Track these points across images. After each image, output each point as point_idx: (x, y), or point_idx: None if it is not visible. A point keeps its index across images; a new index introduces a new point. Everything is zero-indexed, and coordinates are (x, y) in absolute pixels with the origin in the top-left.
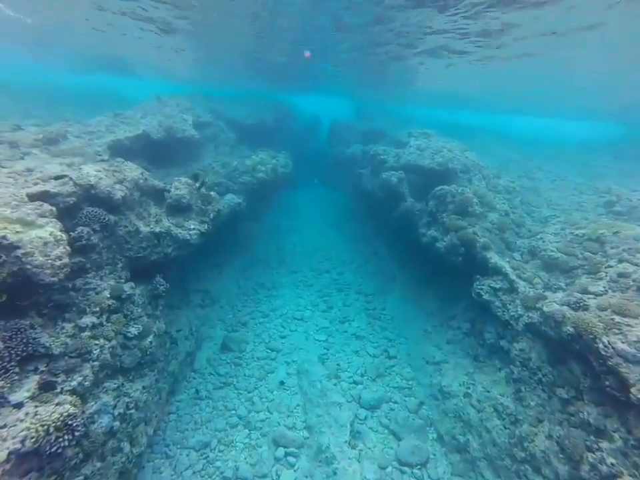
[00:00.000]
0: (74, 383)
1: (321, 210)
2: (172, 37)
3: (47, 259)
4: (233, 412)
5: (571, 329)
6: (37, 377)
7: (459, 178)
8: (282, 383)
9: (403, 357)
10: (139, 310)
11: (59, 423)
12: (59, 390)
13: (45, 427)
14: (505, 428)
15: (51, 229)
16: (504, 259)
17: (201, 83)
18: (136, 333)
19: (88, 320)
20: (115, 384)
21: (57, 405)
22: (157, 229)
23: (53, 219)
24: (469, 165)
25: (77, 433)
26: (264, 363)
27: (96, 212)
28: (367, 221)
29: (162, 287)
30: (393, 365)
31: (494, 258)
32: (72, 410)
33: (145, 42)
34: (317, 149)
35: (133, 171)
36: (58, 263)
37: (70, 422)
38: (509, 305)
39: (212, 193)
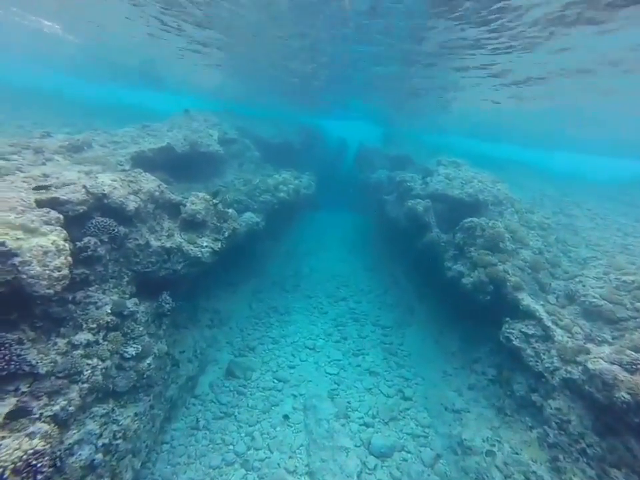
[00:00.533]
0: (56, 408)
1: (343, 234)
2: (207, 54)
3: (45, 270)
4: (231, 447)
5: (627, 396)
6: (14, 400)
7: (489, 211)
8: (286, 417)
9: (420, 399)
10: (141, 328)
11: (19, 464)
12: (36, 415)
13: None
14: None
15: (54, 238)
16: (537, 302)
17: (230, 100)
18: (134, 353)
19: (83, 337)
20: (104, 409)
21: (28, 436)
22: (168, 244)
23: (58, 227)
24: (500, 198)
25: (39, 477)
26: (269, 393)
27: (106, 222)
28: (389, 249)
29: (168, 305)
30: (408, 407)
31: (526, 300)
32: (40, 446)
33: (184, 59)
34: (342, 172)
35: (149, 182)
36: (56, 274)
37: (34, 462)
38: (543, 354)
39: (229, 210)
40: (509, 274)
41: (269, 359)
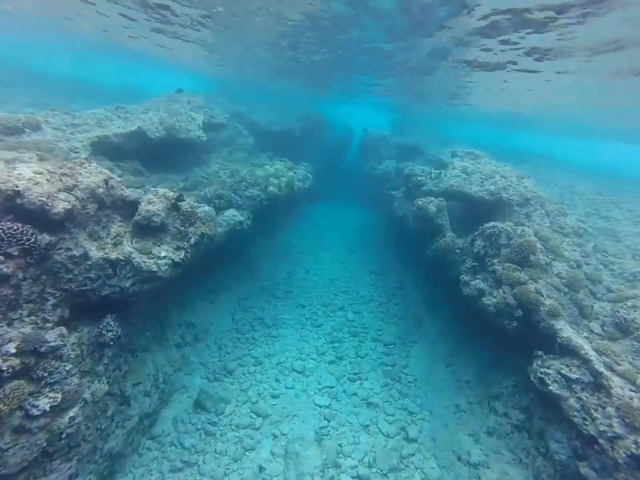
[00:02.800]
0: None
1: (345, 231)
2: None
3: None
4: None
5: None
6: None
7: (514, 212)
8: (262, 469)
9: (427, 442)
10: (67, 367)
11: None
12: None
13: None
14: None
15: None
16: (580, 333)
17: (229, 79)
18: (47, 407)
19: None
20: None
21: None
22: (114, 255)
23: None
24: (528, 197)
25: None
26: (244, 434)
27: (15, 230)
28: (396, 250)
29: (111, 332)
30: (413, 452)
31: (566, 331)
32: None
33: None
34: (347, 161)
35: (93, 175)
36: None
37: None
38: (595, 411)
39: (198, 209)
40: (542, 296)
41: (249, 386)
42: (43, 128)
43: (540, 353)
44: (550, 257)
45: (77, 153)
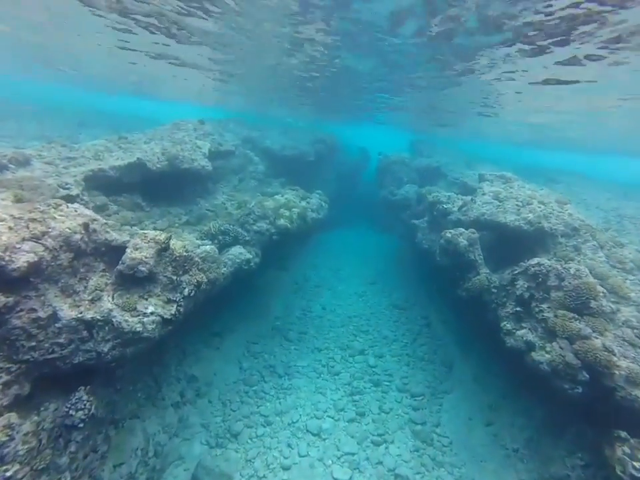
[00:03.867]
0: None
1: (363, 260)
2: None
3: None
4: None
5: None
6: None
7: (558, 245)
8: None
9: None
10: (11, 471)
11: None
12: None
13: None
14: None
15: None
16: None
17: (242, 110)
18: None
19: None
20: None
21: None
22: (90, 314)
23: None
24: (575, 226)
25: None
26: None
27: None
28: (419, 281)
29: (81, 412)
30: None
31: None
32: None
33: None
34: (363, 186)
35: (68, 219)
36: None
37: None
38: None
39: (198, 250)
40: (614, 355)
41: (256, 454)
42: (32, 163)
43: (624, 434)
44: (612, 300)
45: (67, 189)
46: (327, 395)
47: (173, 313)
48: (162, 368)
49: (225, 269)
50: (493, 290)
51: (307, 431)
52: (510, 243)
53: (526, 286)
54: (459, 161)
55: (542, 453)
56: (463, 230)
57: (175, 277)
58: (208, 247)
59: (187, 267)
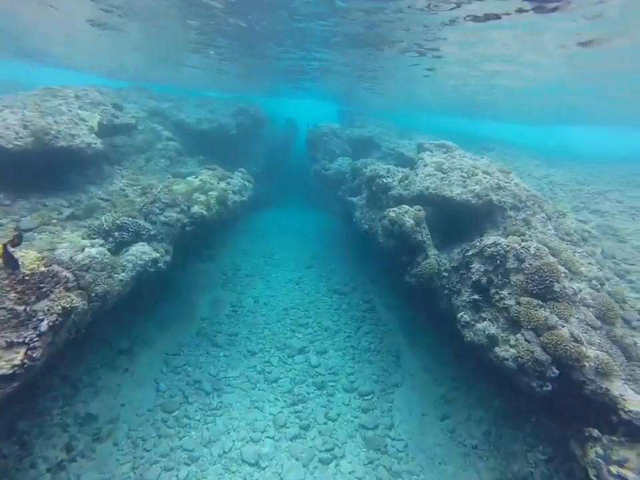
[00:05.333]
0: None
1: (298, 241)
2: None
3: None
4: None
5: None
6: None
7: (508, 219)
8: None
9: None
10: None
11: None
12: None
13: None
14: None
15: None
16: None
17: (152, 81)
18: None
19: None
20: None
21: None
22: None
23: None
24: (522, 197)
25: None
26: None
27: None
28: (359, 261)
29: None
30: None
31: (632, 401)
32: None
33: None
34: (293, 160)
35: None
36: None
37: None
38: None
39: (69, 263)
40: (583, 345)
41: None
42: None
43: (596, 433)
44: (568, 278)
45: None
46: (265, 409)
47: (17, 364)
48: (34, 419)
49: (124, 274)
50: (444, 274)
51: (243, 461)
52: (455, 218)
53: (482, 269)
54: (392, 131)
55: (502, 448)
56: (408, 207)
57: (22, 307)
58: (94, 250)
59: (45, 289)
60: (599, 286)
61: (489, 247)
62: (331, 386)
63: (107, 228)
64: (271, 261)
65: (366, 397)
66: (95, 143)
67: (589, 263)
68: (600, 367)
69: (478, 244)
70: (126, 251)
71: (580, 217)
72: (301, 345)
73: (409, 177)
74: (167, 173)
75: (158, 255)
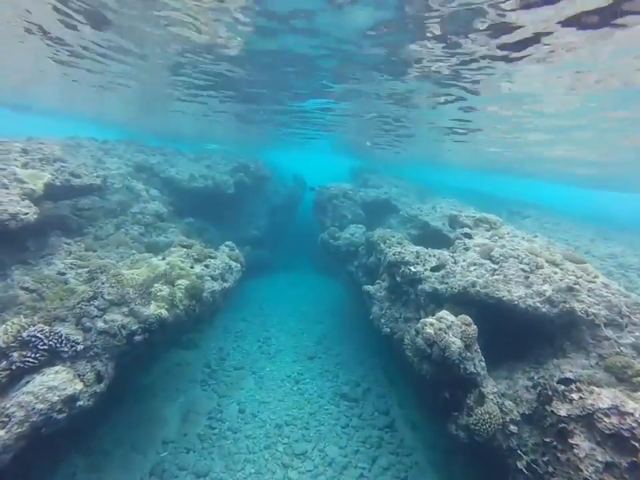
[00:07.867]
0: None
1: (301, 320)
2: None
3: None
4: None
5: None
6: None
7: (605, 341)
8: None
9: None
10: None
11: None
12: None
13: None
14: None
15: None
16: None
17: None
18: None
19: None
20: None
21: None
22: None
23: None
24: (621, 308)
25: None
26: None
27: None
28: (376, 351)
29: None
30: None
31: None
32: None
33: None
34: (302, 218)
35: None
36: None
37: None
38: None
39: None
40: None
41: None
42: None
43: None
44: None
45: None
46: None
47: None
48: None
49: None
50: (512, 428)
51: None
52: (511, 328)
53: (598, 456)
54: (410, 192)
55: None
56: (452, 319)
57: None
58: None
59: None
60: None
61: (604, 417)
62: None
63: (4, 345)
64: (266, 348)
65: None
66: (26, 213)
67: None
68: None
69: (579, 402)
70: (28, 383)
71: None
72: None
73: (445, 264)
74: (137, 245)
75: (80, 386)
